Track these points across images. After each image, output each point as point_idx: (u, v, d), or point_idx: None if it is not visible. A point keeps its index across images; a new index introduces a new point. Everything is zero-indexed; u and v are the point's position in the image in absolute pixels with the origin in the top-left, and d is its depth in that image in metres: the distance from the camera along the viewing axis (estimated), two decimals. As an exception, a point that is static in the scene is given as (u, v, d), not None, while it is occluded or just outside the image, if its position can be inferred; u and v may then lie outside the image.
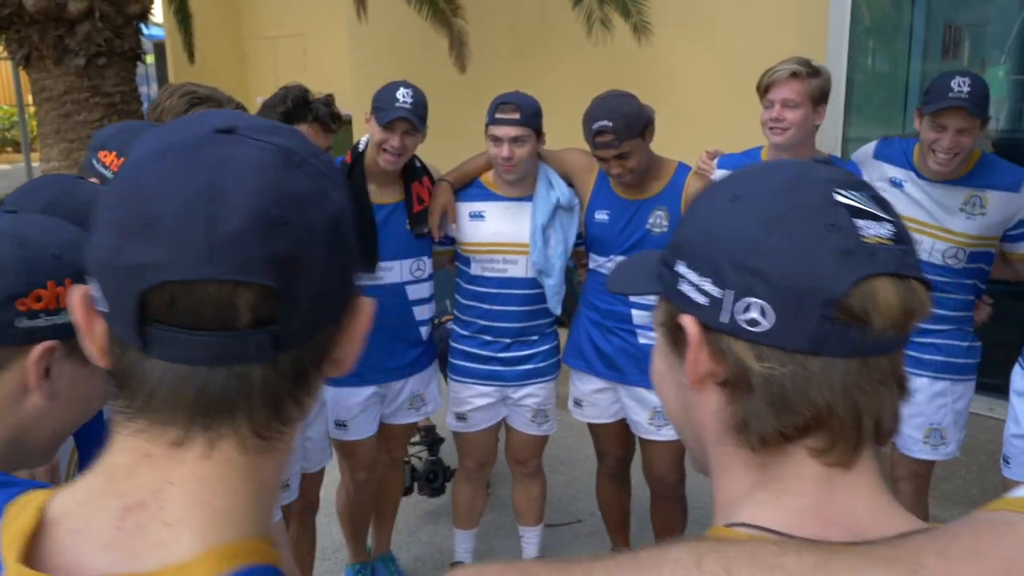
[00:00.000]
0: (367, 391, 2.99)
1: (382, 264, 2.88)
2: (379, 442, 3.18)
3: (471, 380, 3.08)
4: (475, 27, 6.28)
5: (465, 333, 3.07)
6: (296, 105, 2.50)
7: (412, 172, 2.90)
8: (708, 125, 4.68)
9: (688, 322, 0.74)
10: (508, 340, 3.01)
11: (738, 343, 0.71)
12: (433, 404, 3.23)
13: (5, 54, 5.46)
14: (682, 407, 0.81)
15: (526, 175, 2.88)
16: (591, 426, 3.23)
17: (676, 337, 0.77)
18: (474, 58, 6.21)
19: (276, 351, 0.62)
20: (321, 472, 3.03)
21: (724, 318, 0.71)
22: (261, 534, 0.66)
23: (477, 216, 2.94)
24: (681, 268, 0.75)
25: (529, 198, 2.91)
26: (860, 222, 0.70)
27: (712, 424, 0.76)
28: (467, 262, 3.00)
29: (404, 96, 2.73)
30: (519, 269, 2.92)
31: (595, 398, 3.08)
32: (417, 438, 4.11)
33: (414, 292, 2.98)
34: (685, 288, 0.74)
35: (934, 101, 2.57)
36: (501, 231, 2.91)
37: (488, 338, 3.02)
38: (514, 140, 2.76)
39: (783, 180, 0.73)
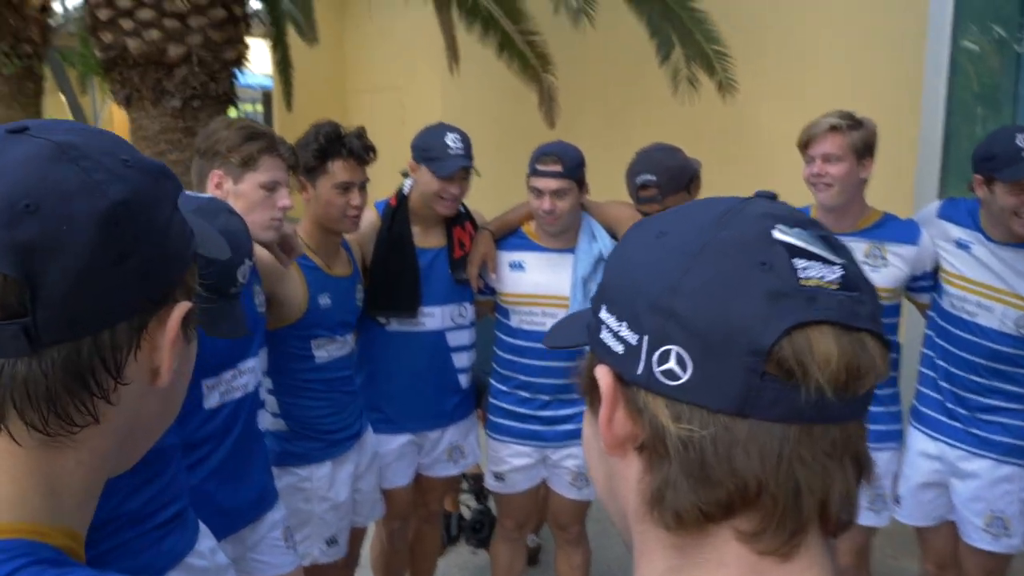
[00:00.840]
0: (402, 439, 2.92)
1: (423, 309, 2.82)
2: (416, 495, 3.08)
3: (509, 439, 2.97)
4: (564, 82, 6.29)
5: (503, 388, 2.96)
6: (328, 141, 2.46)
7: (455, 216, 2.85)
8: (794, 183, 4.50)
9: (601, 373, 0.64)
10: (547, 397, 2.89)
11: (655, 399, 0.60)
12: (472, 457, 3.12)
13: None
14: (605, 477, 0.70)
15: (568, 227, 2.79)
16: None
17: (594, 394, 0.66)
18: (563, 113, 6.21)
19: (33, 346, 0.62)
20: (365, 527, 2.96)
21: (640, 369, 0.60)
22: (43, 522, 0.65)
23: (517, 266, 2.86)
24: (603, 313, 0.65)
25: (571, 250, 2.81)
26: (801, 262, 0.59)
27: (632, 497, 0.65)
28: (506, 314, 2.91)
29: (455, 142, 2.69)
30: None
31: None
32: (465, 486, 3.99)
33: (454, 339, 2.90)
34: (604, 335, 0.64)
35: (1009, 166, 2.38)
36: (540, 283, 2.82)
37: (526, 394, 2.90)
38: (555, 193, 2.67)
39: (716, 214, 0.63)
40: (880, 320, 0.60)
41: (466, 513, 3.86)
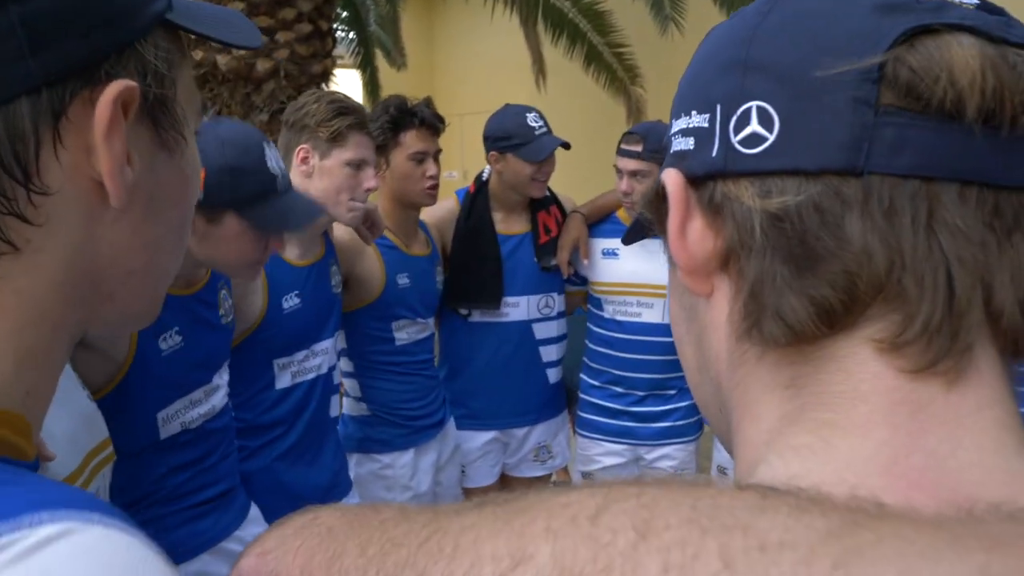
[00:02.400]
0: (486, 436, 2.77)
1: (507, 299, 2.69)
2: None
3: (599, 436, 2.79)
4: (653, 94, 6.14)
5: (594, 383, 2.79)
6: (399, 112, 2.40)
7: (539, 200, 2.71)
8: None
9: (668, 175, 0.49)
10: (642, 393, 2.71)
11: (737, 183, 0.45)
12: (561, 458, 2.95)
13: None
14: (695, 343, 0.53)
15: None
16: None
17: (664, 213, 0.51)
18: (651, 125, 6.06)
19: None
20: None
21: (715, 151, 0.46)
22: None
23: (610, 254, 2.70)
24: (672, 129, 0.52)
25: None
26: None
27: (725, 346, 0.49)
28: (599, 304, 2.75)
29: (536, 121, 2.59)
30: (655, 314, 2.63)
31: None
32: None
33: (541, 331, 2.75)
34: (675, 144, 0.51)
35: None
36: (636, 271, 2.64)
37: (619, 389, 2.72)
38: (633, 174, 2.53)
39: None
40: None
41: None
